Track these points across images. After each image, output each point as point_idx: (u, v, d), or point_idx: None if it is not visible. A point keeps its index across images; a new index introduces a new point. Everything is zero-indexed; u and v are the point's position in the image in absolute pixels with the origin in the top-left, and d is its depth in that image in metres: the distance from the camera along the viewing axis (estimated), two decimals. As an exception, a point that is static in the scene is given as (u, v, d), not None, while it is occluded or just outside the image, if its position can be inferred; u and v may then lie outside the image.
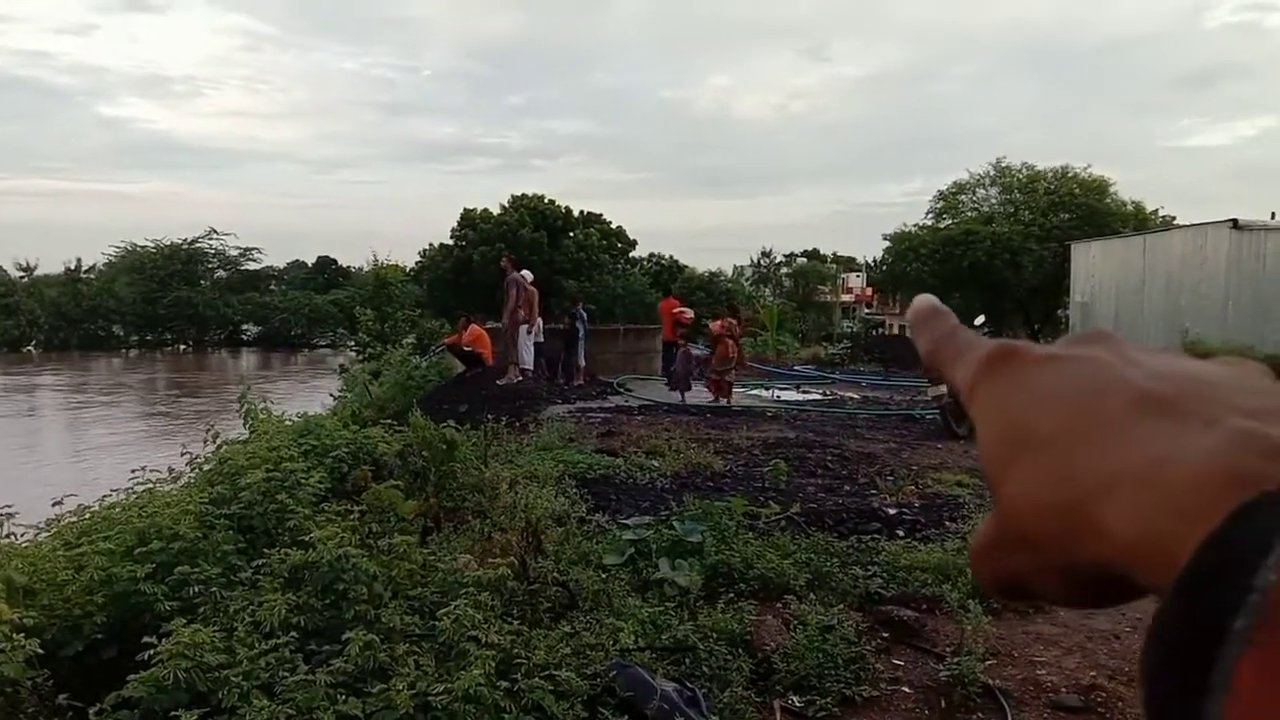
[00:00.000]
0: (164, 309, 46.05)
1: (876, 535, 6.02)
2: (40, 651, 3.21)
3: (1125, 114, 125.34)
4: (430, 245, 38.46)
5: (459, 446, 6.60)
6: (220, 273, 50.23)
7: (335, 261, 60.24)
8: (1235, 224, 17.12)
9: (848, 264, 59.93)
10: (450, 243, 37.01)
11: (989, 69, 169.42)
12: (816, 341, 30.81)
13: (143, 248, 48.16)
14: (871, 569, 5.23)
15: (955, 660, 4.09)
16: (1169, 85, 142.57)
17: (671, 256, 44.95)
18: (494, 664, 3.27)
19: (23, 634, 3.22)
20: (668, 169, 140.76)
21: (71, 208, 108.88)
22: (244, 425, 7.14)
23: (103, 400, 23.68)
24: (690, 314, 16.52)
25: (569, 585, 4.50)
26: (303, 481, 5.08)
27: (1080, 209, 32.06)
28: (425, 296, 33.32)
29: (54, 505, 4.75)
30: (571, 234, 36.44)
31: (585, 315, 17.45)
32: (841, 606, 4.66)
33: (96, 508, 4.73)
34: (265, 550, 4.17)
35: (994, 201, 35.39)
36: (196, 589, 3.81)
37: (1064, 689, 4.01)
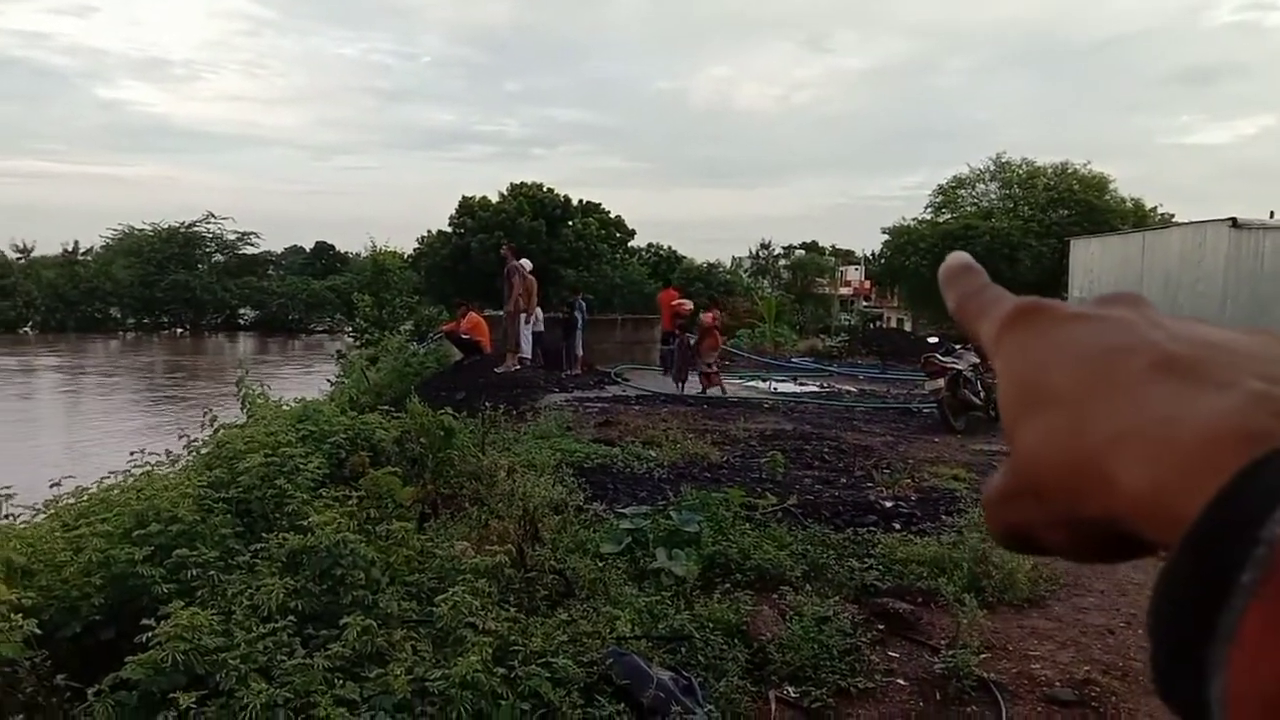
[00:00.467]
0: (161, 292, 46.01)
1: (873, 528, 6.04)
2: (38, 632, 3.22)
3: (1125, 110, 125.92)
4: (428, 232, 38.44)
5: (457, 434, 6.61)
6: (218, 257, 50.17)
7: (333, 247, 60.15)
8: (1234, 222, 17.09)
9: (846, 257, 59.92)
10: (449, 230, 36.95)
11: (991, 63, 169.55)
12: (814, 334, 30.82)
13: (140, 231, 48.16)
14: (867, 561, 5.25)
15: (950, 653, 4.11)
16: (1169, 82, 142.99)
17: (670, 247, 44.90)
18: (491, 651, 3.28)
19: (21, 614, 3.23)
20: (667, 159, 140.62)
21: (69, 190, 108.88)
22: (241, 409, 7.14)
23: (101, 382, 23.65)
24: (690, 305, 16.49)
25: (566, 573, 4.51)
26: (301, 466, 5.09)
27: (1079, 205, 32.04)
28: (423, 283, 33.22)
29: (52, 487, 4.75)
30: (570, 223, 36.43)
31: (584, 305, 17.44)
32: (837, 598, 4.68)
33: (95, 490, 4.73)
34: (263, 534, 4.19)
35: (993, 197, 35.39)
36: (195, 572, 3.82)
37: (1058, 683, 4.03)
